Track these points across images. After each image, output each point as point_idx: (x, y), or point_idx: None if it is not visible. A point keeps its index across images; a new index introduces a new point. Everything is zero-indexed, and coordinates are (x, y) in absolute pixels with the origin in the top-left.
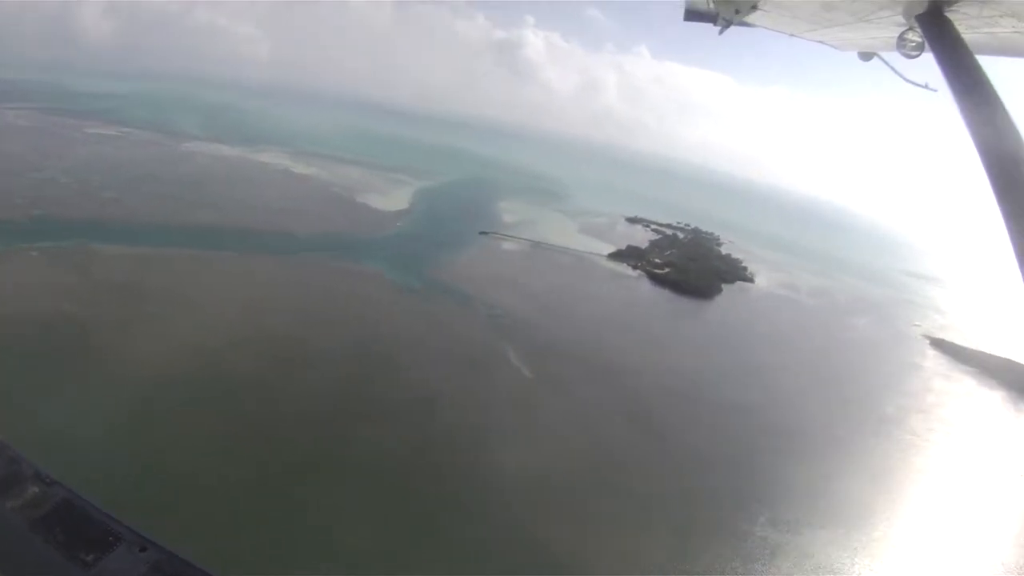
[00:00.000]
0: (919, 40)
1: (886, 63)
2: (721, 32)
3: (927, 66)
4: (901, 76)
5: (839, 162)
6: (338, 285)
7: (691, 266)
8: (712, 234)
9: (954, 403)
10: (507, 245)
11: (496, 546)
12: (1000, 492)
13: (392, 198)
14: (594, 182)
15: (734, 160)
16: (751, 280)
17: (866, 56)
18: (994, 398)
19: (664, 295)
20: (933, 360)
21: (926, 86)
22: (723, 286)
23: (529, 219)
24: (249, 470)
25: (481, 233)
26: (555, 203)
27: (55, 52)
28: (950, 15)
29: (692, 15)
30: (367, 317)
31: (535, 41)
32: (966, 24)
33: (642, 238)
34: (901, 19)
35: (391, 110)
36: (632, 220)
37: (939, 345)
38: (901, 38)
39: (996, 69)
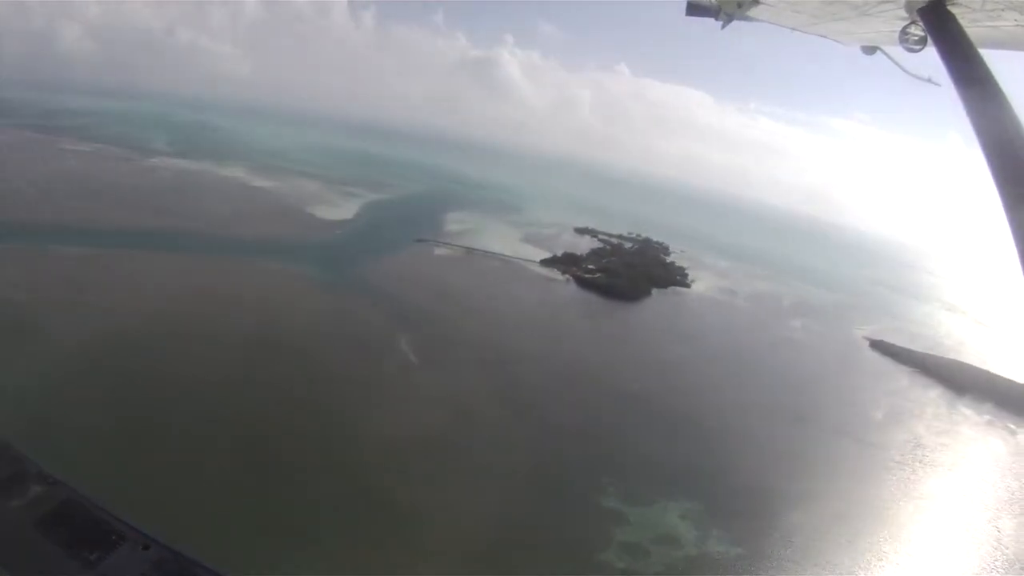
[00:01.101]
0: (921, 34)
1: (889, 57)
2: (723, 27)
3: (930, 60)
4: (904, 70)
5: (828, 178)
6: (260, 282)
7: (626, 272)
8: (662, 244)
9: (877, 398)
10: (439, 251)
11: (348, 499)
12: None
13: (341, 209)
14: (556, 195)
15: (716, 176)
16: (687, 285)
17: (869, 50)
18: (926, 394)
19: (587, 297)
20: (869, 359)
21: (929, 80)
22: (654, 291)
23: (473, 228)
24: (137, 425)
25: (417, 240)
26: (507, 214)
27: (40, 71)
28: (952, 9)
29: (694, 10)
30: (278, 309)
31: (514, 60)
32: (968, 18)
33: (585, 247)
34: (903, 13)
35: (368, 128)
36: (581, 231)
37: (878, 346)
38: (903, 32)
39: (999, 63)
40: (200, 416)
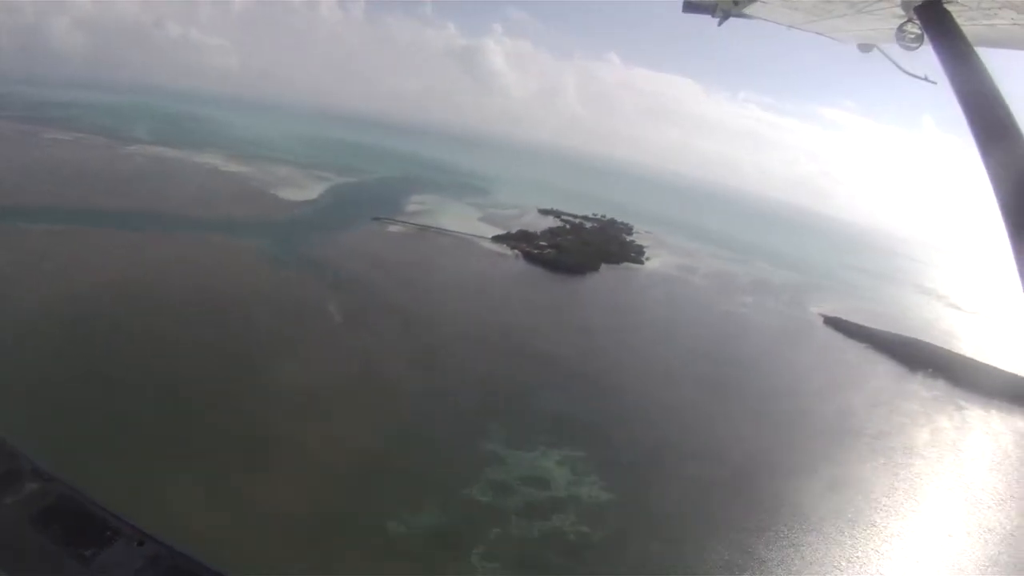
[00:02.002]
0: (918, 32)
1: (885, 55)
2: (720, 23)
3: (926, 58)
4: (900, 68)
5: (816, 167)
6: (211, 255)
7: (578, 248)
8: (626, 224)
9: (814, 369)
10: (393, 228)
11: (240, 435)
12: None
13: (305, 191)
14: (530, 181)
15: (705, 166)
16: (641, 262)
17: (865, 48)
18: (872, 368)
19: (532, 271)
20: (819, 334)
21: (925, 78)
22: (604, 266)
23: (434, 209)
24: (70, 376)
25: (374, 219)
26: (473, 197)
27: (30, 66)
28: (949, 7)
29: (690, 6)
30: (223, 278)
31: (503, 49)
32: (965, 16)
33: (544, 226)
34: (900, 11)
35: (353, 119)
36: (545, 212)
37: (832, 322)
38: (900, 30)
39: (995, 61)
40: (131, 369)
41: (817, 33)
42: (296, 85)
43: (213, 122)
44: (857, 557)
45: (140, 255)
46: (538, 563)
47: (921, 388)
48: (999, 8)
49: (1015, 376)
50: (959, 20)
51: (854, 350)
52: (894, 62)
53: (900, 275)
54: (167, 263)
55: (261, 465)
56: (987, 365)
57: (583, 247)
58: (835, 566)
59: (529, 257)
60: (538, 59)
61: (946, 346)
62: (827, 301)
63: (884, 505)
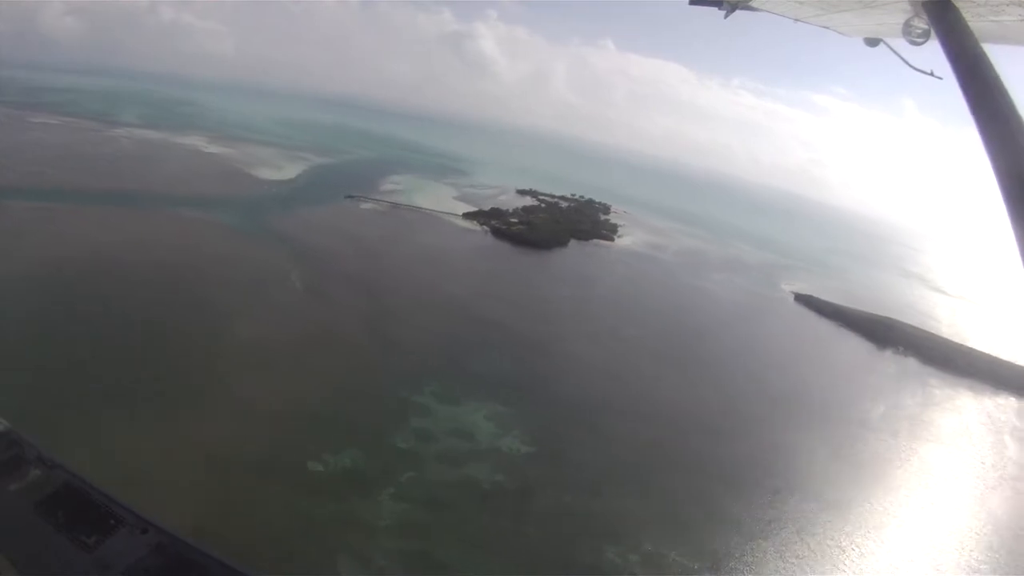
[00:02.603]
0: (925, 27)
1: (892, 49)
2: (727, 16)
3: (933, 53)
4: (906, 62)
5: (809, 154)
6: (184, 229)
7: (549, 225)
8: (604, 204)
9: (775, 343)
10: (365, 206)
11: (193, 386)
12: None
13: (283, 171)
14: (514, 164)
15: (698, 153)
16: (611, 239)
17: (872, 42)
18: (839, 344)
19: (497, 245)
20: (785, 310)
21: (931, 73)
22: (573, 242)
23: (410, 188)
24: (51, 344)
25: (347, 197)
26: (453, 177)
27: (26, 51)
28: (956, 2)
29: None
30: (192, 249)
31: (497, 34)
32: (972, 11)
33: (519, 205)
34: (907, 5)
35: (346, 104)
36: (523, 192)
37: (802, 299)
38: (907, 24)
39: (1001, 57)
40: (91, 326)
41: (823, 27)
42: (290, 70)
43: (202, 106)
44: (772, 519)
45: (114, 229)
46: (445, 506)
47: (887, 364)
48: (1006, 4)
49: (989, 356)
50: (966, 16)
51: (822, 326)
52: (900, 57)
53: (887, 260)
54: (138, 236)
55: (203, 410)
56: (962, 345)
57: (554, 224)
58: (742, 523)
59: (497, 232)
60: (533, 45)
61: (923, 327)
62: (803, 281)
63: (814, 472)
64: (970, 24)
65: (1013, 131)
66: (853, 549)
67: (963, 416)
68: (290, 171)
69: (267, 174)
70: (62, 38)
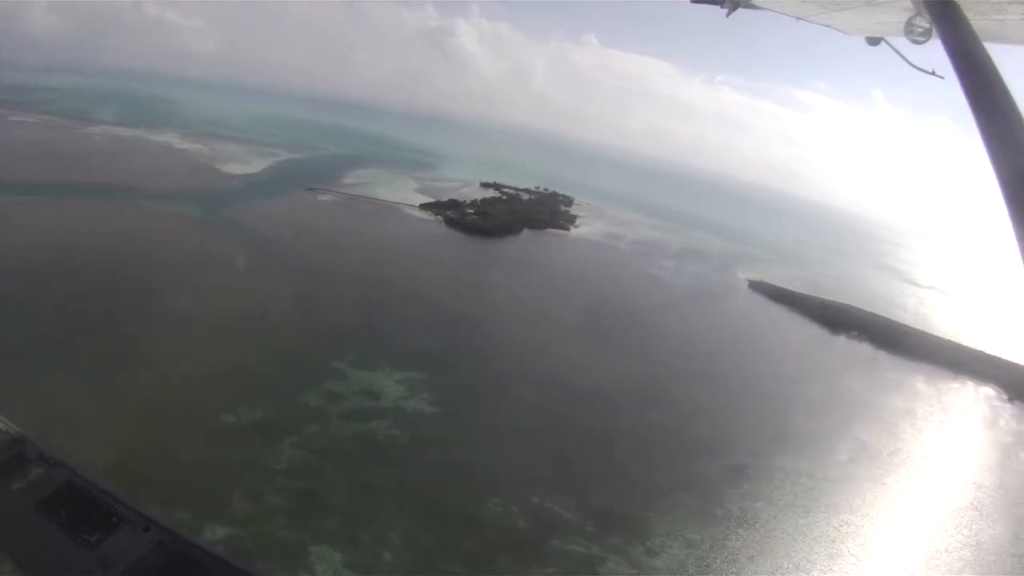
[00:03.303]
0: (927, 26)
1: (893, 48)
2: (728, 14)
3: (934, 52)
4: (908, 62)
5: (792, 150)
6: (144, 218)
7: (505, 215)
8: (567, 196)
9: (717, 326)
10: (323, 197)
11: (128, 352)
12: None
13: (250, 166)
14: (485, 159)
15: (680, 149)
16: (567, 228)
17: (873, 41)
18: (794, 331)
19: (447, 234)
20: (736, 295)
21: (933, 72)
22: (527, 231)
23: (372, 181)
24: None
25: (307, 189)
26: (418, 171)
27: (11, 51)
28: (958, 1)
29: None
30: (149, 237)
31: (480, 31)
32: (974, 10)
33: (480, 196)
34: (909, 4)
35: (326, 101)
36: (487, 185)
37: (756, 286)
38: (909, 23)
39: (1003, 57)
40: (44, 304)
41: (825, 25)
42: (273, 67)
43: (181, 104)
44: (670, 478)
45: (77, 220)
46: (340, 454)
47: (836, 347)
48: (1008, 3)
49: (945, 341)
50: (968, 15)
51: (773, 311)
52: (902, 56)
53: (862, 253)
54: (100, 225)
55: (134, 372)
56: (920, 331)
57: (510, 215)
58: (637, 482)
59: (451, 222)
60: (515, 41)
61: (886, 314)
62: (765, 270)
63: (726, 439)
64: (972, 23)
65: (1014, 130)
66: (748, 511)
67: (905, 396)
68: (257, 166)
69: (234, 169)
70: (45, 36)
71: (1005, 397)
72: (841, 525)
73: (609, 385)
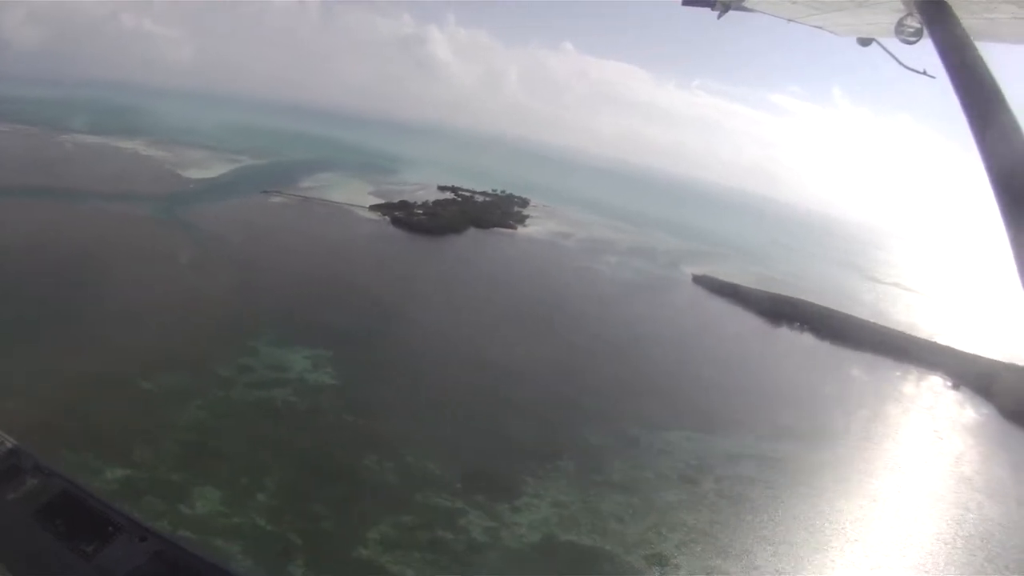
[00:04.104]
0: (918, 26)
1: (885, 49)
2: (719, 16)
3: (926, 52)
4: (899, 62)
5: (768, 153)
6: (99, 218)
7: (453, 216)
8: (523, 198)
9: (645, 316)
10: (276, 199)
11: (71, 329)
12: None
13: (210, 171)
14: (448, 164)
15: (656, 154)
16: (514, 228)
17: (865, 42)
18: (731, 320)
19: (393, 232)
20: (676, 289)
21: (924, 72)
22: (473, 230)
23: (328, 185)
24: None
25: (262, 192)
26: (377, 176)
27: None
28: (949, 0)
29: (690, 0)
30: (103, 234)
31: (457, 39)
32: (965, 10)
33: (434, 198)
34: (900, 4)
35: (300, 109)
36: (444, 188)
37: (700, 280)
38: (900, 23)
39: (995, 56)
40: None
41: (816, 27)
42: (249, 76)
43: (153, 113)
44: (551, 444)
45: (36, 220)
46: (238, 415)
47: (772, 336)
48: (1000, 2)
49: (894, 331)
50: (959, 14)
51: (714, 303)
52: (893, 56)
53: (830, 252)
54: (58, 224)
55: (69, 347)
56: (869, 322)
57: (460, 215)
58: (519, 446)
59: (397, 222)
60: (492, 48)
61: (839, 308)
62: (717, 266)
63: (622, 412)
64: (963, 22)
65: (1006, 128)
66: (630, 478)
67: (838, 382)
68: (217, 171)
69: (195, 174)
70: (21, 47)
71: (949, 384)
72: (725, 497)
73: (519, 364)
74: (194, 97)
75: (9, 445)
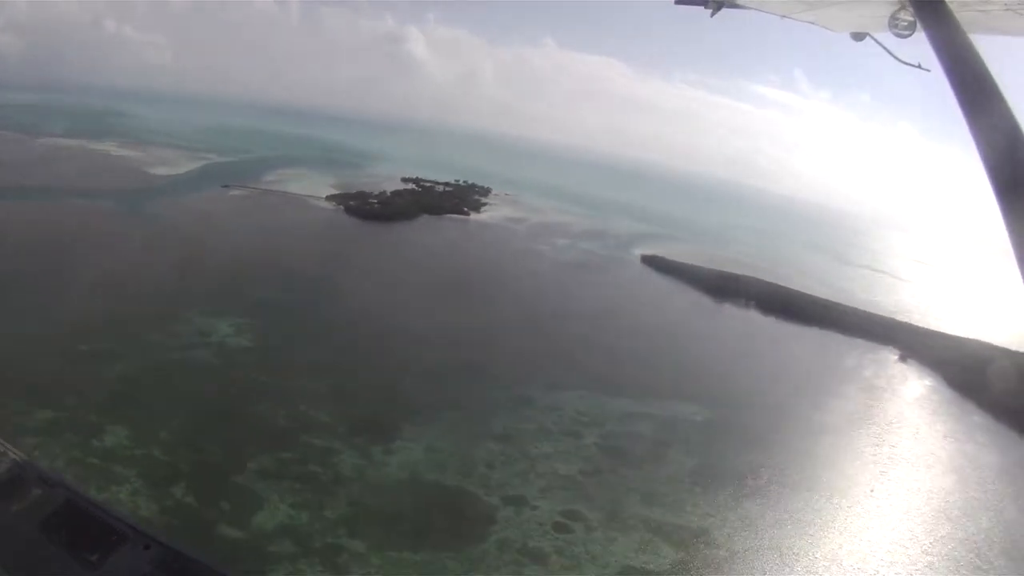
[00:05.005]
0: (911, 19)
1: (878, 43)
2: (713, 14)
3: (919, 45)
4: (893, 56)
5: (751, 144)
6: (63, 212)
7: (407, 204)
8: (485, 188)
9: (582, 292)
10: (235, 192)
11: (21, 304)
12: None
13: (178, 168)
14: (419, 159)
15: (639, 146)
16: (467, 214)
17: (858, 36)
18: (672, 297)
19: (343, 220)
20: (621, 268)
21: (918, 66)
22: (425, 216)
23: (290, 179)
24: None
25: (223, 186)
26: (342, 170)
27: None
28: None
29: None
30: (58, 226)
31: (438, 37)
32: (959, 2)
33: (394, 189)
34: None
35: (281, 110)
36: (407, 180)
37: (649, 260)
38: (893, 17)
39: (988, 48)
40: None
41: (810, 23)
42: (232, 79)
43: (130, 117)
44: (441, 396)
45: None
46: (155, 371)
47: (712, 311)
48: None
49: (846, 307)
50: (952, 7)
51: (657, 281)
52: (887, 50)
53: (802, 236)
54: (19, 218)
55: (18, 316)
56: (821, 299)
57: (414, 203)
58: (413, 401)
59: (350, 210)
60: (473, 45)
61: (799, 288)
62: (672, 248)
63: (526, 373)
64: (956, 15)
65: (1001, 118)
66: (513, 431)
67: (776, 353)
68: (184, 168)
69: (162, 171)
70: (1, 53)
71: (896, 356)
72: (606, 451)
73: (433, 334)
74: (175, 101)
75: (12, 455)
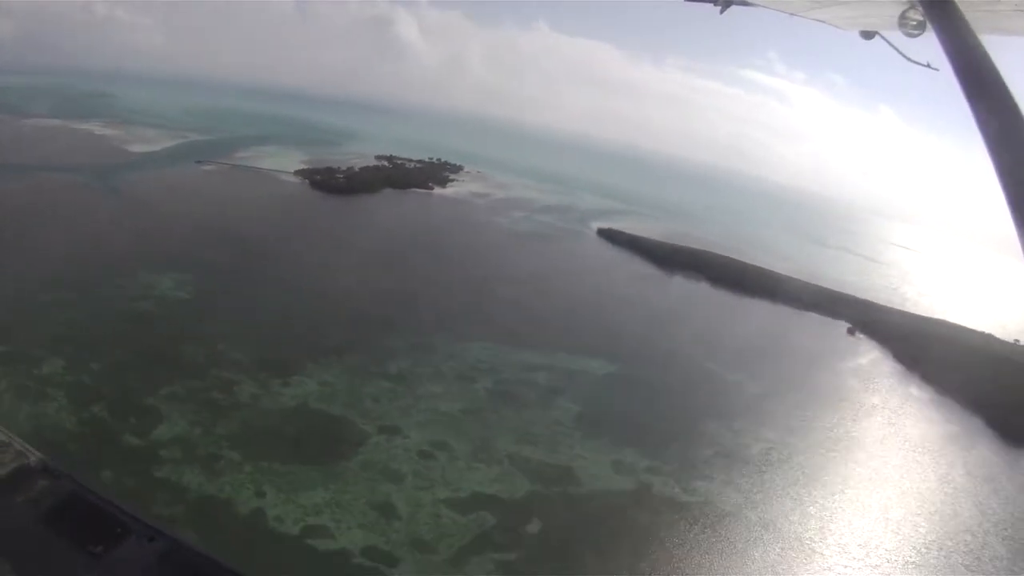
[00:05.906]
0: (920, 18)
1: (887, 42)
2: (722, 11)
3: (929, 44)
4: (903, 55)
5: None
6: (39, 186)
7: (372, 179)
8: (456, 165)
9: (533, 262)
10: (207, 168)
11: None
12: None
13: (155, 145)
14: (398, 138)
15: (628, 130)
16: (431, 188)
17: (867, 35)
18: (618, 265)
19: (306, 193)
20: (576, 241)
21: (928, 65)
22: (388, 190)
23: (262, 155)
24: None
25: (196, 162)
26: (316, 147)
27: None
28: None
29: None
30: (40, 198)
31: (430, 20)
32: (968, 2)
33: (365, 165)
34: None
35: (268, 92)
36: (380, 157)
37: (605, 233)
38: (903, 16)
39: (998, 48)
40: None
41: (819, 21)
42: (222, 62)
43: (117, 98)
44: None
45: None
46: (100, 318)
47: (658, 281)
48: None
49: (801, 282)
50: (962, 6)
51: (610, 253)
52: (896, 49)
53: (778, 219)
54: (10, 192)
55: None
56: (777, 273)
57: (381, 178)
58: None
59: (316, 184)
60: (465, 29)
61: (761, 264)
62: (631, 223)
63: (455, 331)
64: (966, 15)
65: (1010, 119)
66: (406, 372)
67: (722, 321)
68: (161, 145)
69: (140, 148)
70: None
71: (846, 329)
72: (495, 394)
73: (362, 293)
74: (164, 83)
75: (19, 447)
